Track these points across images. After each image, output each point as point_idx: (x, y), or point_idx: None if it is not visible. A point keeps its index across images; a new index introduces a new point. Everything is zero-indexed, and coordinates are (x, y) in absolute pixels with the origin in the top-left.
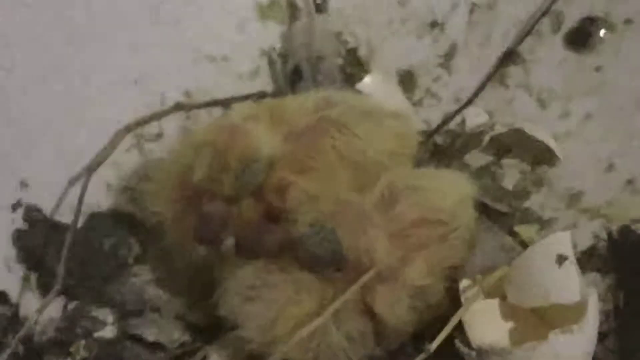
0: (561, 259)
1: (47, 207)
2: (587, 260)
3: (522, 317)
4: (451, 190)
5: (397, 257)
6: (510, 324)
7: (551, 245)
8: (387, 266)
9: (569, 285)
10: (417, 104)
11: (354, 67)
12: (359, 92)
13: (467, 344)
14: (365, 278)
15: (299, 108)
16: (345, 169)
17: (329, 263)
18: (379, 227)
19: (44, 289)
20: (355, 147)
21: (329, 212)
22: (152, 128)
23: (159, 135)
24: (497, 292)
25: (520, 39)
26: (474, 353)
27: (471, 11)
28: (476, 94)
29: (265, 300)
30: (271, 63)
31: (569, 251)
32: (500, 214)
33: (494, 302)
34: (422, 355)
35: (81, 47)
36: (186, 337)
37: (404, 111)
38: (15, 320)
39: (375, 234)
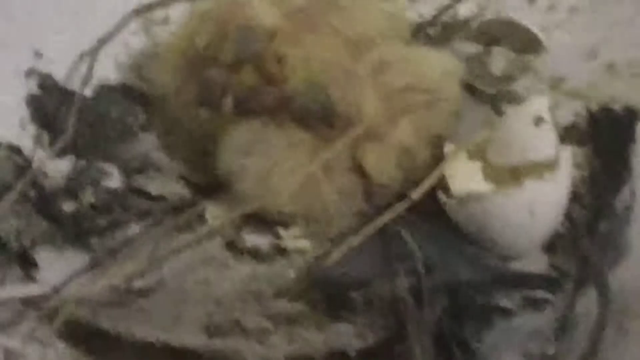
0: (538, 120)
1: (59, 76)
2: (568, 134)
3: (502, 176)
4: (438, 64)
5: (384, 118)
6: (490, 181)
7: (530, 108)
8: (375, 125)
9: (545, 143)
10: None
11: None
12: None
13: (449, 194)
14: (354, 132)
15: None
16: (338, 42)
17: (320, 116)
18: (369, 88)
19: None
20: (347, 24)
21: (320, 71)
22: (160, 13)
23: (166, 20)
24: (480, 155)
25: None
26: (454, 201)
27: None
28: None
29: (261, 153)
30: None
31: (545, 113)
32: (488, 95)
33: (477, 164)
34: (405, 202)
35: None
36: (187, 193)
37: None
38: (28, 170)
39: (364, 93)
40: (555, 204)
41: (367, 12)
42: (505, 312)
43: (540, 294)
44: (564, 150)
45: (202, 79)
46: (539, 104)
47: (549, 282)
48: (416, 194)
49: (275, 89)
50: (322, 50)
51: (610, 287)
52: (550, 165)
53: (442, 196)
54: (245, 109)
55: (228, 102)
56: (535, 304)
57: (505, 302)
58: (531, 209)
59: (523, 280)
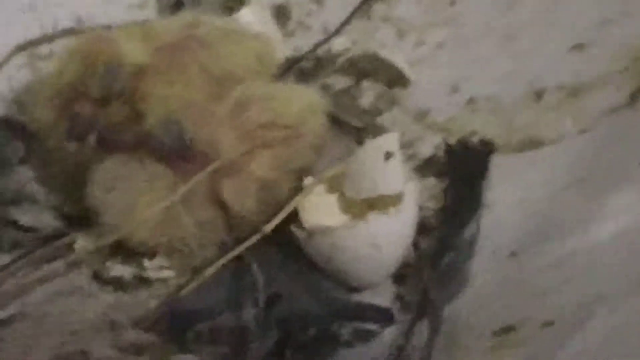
0: (388, 155)
1: None
2: (427, 167)
3: (355, 208)
4: (299, 100)
5: (244, 153)
6: (343, 213)
7: (381, 143)
8: (233, 160)
9: (393, 177)
10: (290, 34)
11: (233, 1)
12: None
13: (300, 226)
14: (210, 167)
15: (169, 27)
16: (204, 80)
17: (175, 152)
18: (226, 125)
19: None
20: (215, 62)
21: (179, 108)
22: (44, 49)
23: (50, 55)
24: (337, 188)
25: None
26: (304, 233)
27: None
28: (342, 25)
29: (123, 189)
30: None
31: (395, 149)
32: (354, 128)
33: (333, 196)
34: (257, 236)
35: None
36: (58, 224)
37: (267, 35)
38: None
39: (221, 130)
40: (400, 237)
41: (235, 50)
42: (337, 343)
43: (371, 325)
44: (410, 184)
45: (71, 113)
46: (390, 139)
47: (381, 314)
48: (268, 227)
49: (136, 125)
50: (187, 88)
51: (442, 320)
52: (396, 199)
53: (294, 229)
54: (108, 145)
55: (91, 138)
56: (365, 336)
57: (339, 333)
58: (375, 242)
59: (356, 312)
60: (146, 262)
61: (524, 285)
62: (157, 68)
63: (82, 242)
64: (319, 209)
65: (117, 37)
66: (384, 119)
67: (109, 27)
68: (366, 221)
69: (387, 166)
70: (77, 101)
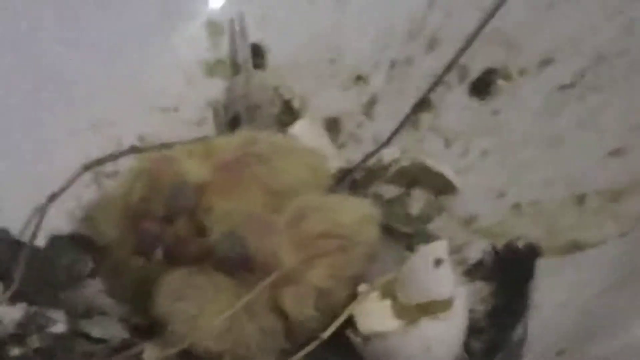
0: (438, 262)
1: (15, 230)
2: (475, 271)
3: (408, 313)
4: (353, 210)
5: (301, 263)
6: (397, 318)
7: (431, 250)
8: (291, 269)
9: (444, 283)
10: (341, 146)
11: (287, 115)
12: (285, 135)
13: (356, 332)
14: (270, 278)
15: (228, 144)
16: (263, 194)
17: (238, 264)
18: (284, 236)
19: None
20: (272, 176)
21: (240, 222)
22: (110, 167)
23: (115, 173)
24: (391, 294)
25: (431, 89)
26: (360, 339)
27: (391, 67)
28: (391, 136)
29: (189, 299)
30: (215, 112)
31: (445, 256)
32: (405, 235)
33: (387, 302)
34: (316, 342)
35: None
36: (127, 335)
37: (321, 149)
38: None
39: (280, 241)
40: (451, 340)
41: (291, 165)
42: None
43: None
44: (460, 289)
45: (138, 230)
46: (440, 247)
47: None
48: (326, 333)
49: (200, 239)
50: (246, 202)
51: None
52: (447, 304)
53: (350, 334)
54: (173, 259)
55: (158, 253)
56: None
57: None
58: (428, 345)
59: None
60: None
61: None
62: (218, 184)
63: (151, 352)
64: (374, 314)
65: (179, 156)
66: (433, 226)
67: (170, 145)
68: (418, 326)
69: (438, 272)
70: (143, 218)
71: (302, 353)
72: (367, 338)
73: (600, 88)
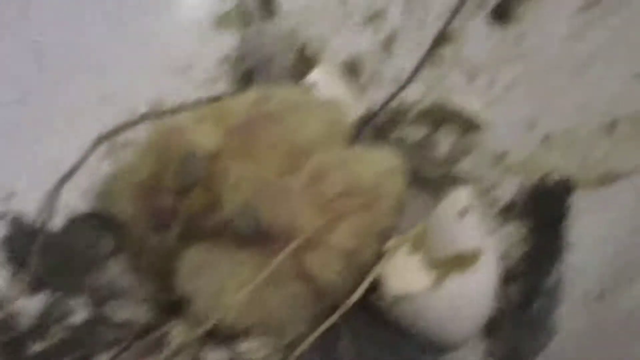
0: (463, 212)
1: (30, 215)
2: (508, 212)
3: (438, 267)
4: (376, 163)
5: (324, 225)
6: (426, 274)
7: (455, 199)
8: (313, 234)
9: (470, 234)
10: (363, 88)
11: (303, 64)
12: (301, 86)
13: (382, 295)
14: (290, 246)
15: (239, 105)
16: (279, 155)
17: (255, 237)
18: (302, 201)
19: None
20: (286, 136)
21: (254, 192)
22: (123, 138)
23: (129, 144)
24: (420, 248)
25: (451, 19)
26: (385, 301)
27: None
28: (414, 74)
29: (210, 275)
30: (229, 68)
31: (470, 204)
32: (432, 180)
33: (416, 257)
34: (344, 307)
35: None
36: (152, 316)
37: (336, 99)
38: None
39: (298, 207)
40: (482, 294)
41: (306, 121)
42: None
43: None
44: (489, 237)
45: (152, 207)
46: (464, 195)
47: None
48: (354, 297)
49: (216, 212)
50: (260, 167)
51: None
52: (474, 256)
53: (375, 298)
54: (190, 234)
55: (174, 229)
56: None
57: None
58: (457, 302)
59: None
60: (241, 345)
61: (614, 328)
62: (229, 151)
63: (178, 332)
64: (403, 272)
65: (189, 125)
66: (461, 167)
67: (180, 109)
68: (446, 284)
69: (463, 223)
70: (156, 194)
71: (331, 320)
72: (392, 301)
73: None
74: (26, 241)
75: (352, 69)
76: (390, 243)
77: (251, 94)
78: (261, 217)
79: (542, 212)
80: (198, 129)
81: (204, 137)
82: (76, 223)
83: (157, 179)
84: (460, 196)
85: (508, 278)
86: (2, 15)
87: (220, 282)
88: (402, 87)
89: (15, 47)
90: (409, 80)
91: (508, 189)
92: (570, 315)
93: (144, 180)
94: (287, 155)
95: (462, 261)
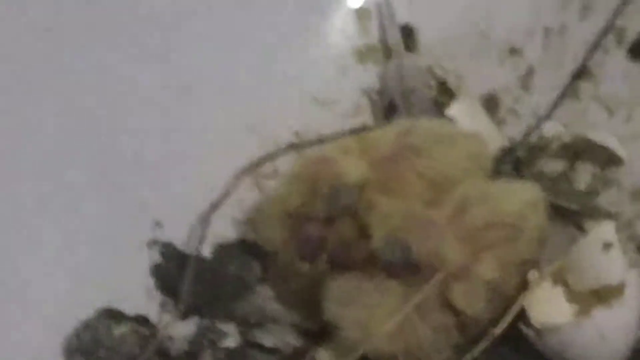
0: (607, 246)
1: (179, 243)
2: None
3: (581, 299)
4: (518, 196)
5: (468, 256)
6: (569, 307)
7: (599, 233)
8: (458, 265)
9: (614, 268)
10: (501, 122)
11: (443, 96)
12: (443, 119)
13: (529, 325)
14: (437, 277)
15: (383, 137)
16: (423, 187)
17: (403, 269)
18: (448, 233)
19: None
20: (431, 167)
21: (401, 223)
22: (268, 167)
23: (275, 173)
24: (562, 280)
25: (590, 55)
26: (532, 332)
27: (545, 35)
28: (552, 109)
29: (358, 303)
30: (371, 101)
31: (613, 238)
32: (572, 212)
33: (558, 289)
34: (488, 339)
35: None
36: (299, 342)
37: (478, 132)
38: (152, 340)
39: (444, 239)
40: (626, 326)
41: (449, 153)
42: None
43: None
44: (633, 271)
45: (300, 235)
46: (608, 229)
47: None
48: (499, 328)
49: (363, 242)
50: (406, 198)
51: None
52: (618, 290)
53: (522, 327)
54: (338, 263)
55: (322, 258)
56: None
57: None
58: (602, 334)
59: None
60: None
61: None
62: (377, 181)
63: (324, 358)
64: (546, 304)
65: (336, 155)
66: (601, 201)
67: (326, 139)
68: (591, 315)
69: (607, 257)
70: (305, 222)
71: (478, 349)
72: (540, 330)
73: None
74: (177, 269)
75: (490, 103)
76: (533, 275)
77: (394, 126)
78: (409, 247)
79: None
80: (345, 159)
81: (351, 167)
82: (224, 251)
83: (306, 209)
84: (603, 230)
85: None
86: (147, 46)
87: (368, 311)
88: (541, 121)
89: (163, 77)
90: (548, 114)
91: None
92: None
93: (292, 209)
94: (431, 187)
95: (607, 294)
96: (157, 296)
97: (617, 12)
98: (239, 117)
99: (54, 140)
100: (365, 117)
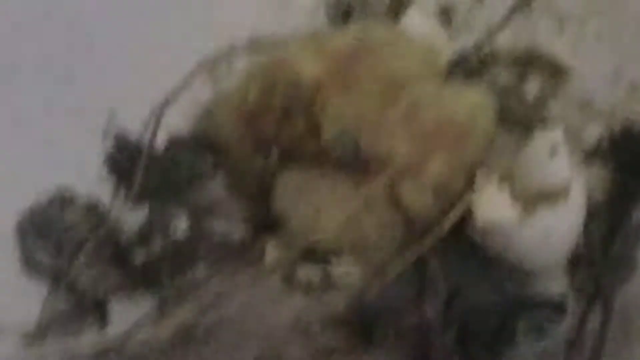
0: (554, 150)
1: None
2: (592, 155)
3: (526, 201)
4: (468, 99)
5: (418, 155)
6: (514, 207)
7: (546, 138)
8: (408, 163)
9: (560, 171)
10: (454, 33)
11: (398, 5)
12: (396, 24)
13: (475, 225)
14: (385, 173)
15: (339, 39)
16: (377, 88)
17: (353, 163)
18: (399, 130)
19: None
20: (384, 69)
21: (352, 120)
22: (224, 66)
23: (229, 72)
24: (509, 181)
25: None
26: (479, 229)
27: None
28: (504, 22)
29: (307, 197)
30: (327, 5)
31: (560, 143)
32: (521, 121)
33: (505, 191)
34: (436, 234)
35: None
36: (249, 234)
37: (433, 39)
38: (102, 225)
39: (395, 135)
40: (569, 227)
41: (403, 56)
42: (515, 336)
43: (546, 316)
44: (577, 175)
45: (255, 130)
46: (555, 134)
47: (555, 307)
48: (446, 225)
49: (315, 138)
50: (359, 97)
51: (614, 305)
52: (564, 191)
53: (467, 225)
54: (290, 158)
55: (275, 152)
56: (540, 330)
57: (516, 326)
58: (546, 234)
59: (532, 304)
60: (332, 265)
61: None
62: (332, 80)
63: (273, 250)
64: (492, 204)
65: (293, 54)
66: (548, 111)
67: (283, 41)
68: (536, 215)
69: (554, 160)
70: (259, 119)
71: (424, 245)
72: (485, 229)
73: None
74: (130, 158)
75: (444, 14)
76: (480, 176)
77: (352, 29)
78: (359, 143)
79: (626, 156)
80: (301, 59)
81: (307, 66)
82: (177, 143)
83: (261, 105)
84: (551, 135)
85: (592, 217)
86: None
87: (317, 204)
88: (494, 32)
89: None
90: (500, 27)
91: (593, 135)
92: None
93: (247, 106)
94: (384, 87)
95: (551, 196)
96: (109, 184)
97: None
98: (197, 15)
99: (11, 24)
100: (321, 19)
